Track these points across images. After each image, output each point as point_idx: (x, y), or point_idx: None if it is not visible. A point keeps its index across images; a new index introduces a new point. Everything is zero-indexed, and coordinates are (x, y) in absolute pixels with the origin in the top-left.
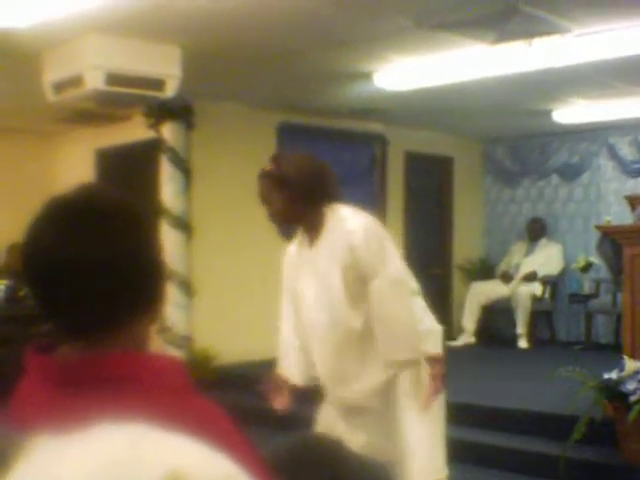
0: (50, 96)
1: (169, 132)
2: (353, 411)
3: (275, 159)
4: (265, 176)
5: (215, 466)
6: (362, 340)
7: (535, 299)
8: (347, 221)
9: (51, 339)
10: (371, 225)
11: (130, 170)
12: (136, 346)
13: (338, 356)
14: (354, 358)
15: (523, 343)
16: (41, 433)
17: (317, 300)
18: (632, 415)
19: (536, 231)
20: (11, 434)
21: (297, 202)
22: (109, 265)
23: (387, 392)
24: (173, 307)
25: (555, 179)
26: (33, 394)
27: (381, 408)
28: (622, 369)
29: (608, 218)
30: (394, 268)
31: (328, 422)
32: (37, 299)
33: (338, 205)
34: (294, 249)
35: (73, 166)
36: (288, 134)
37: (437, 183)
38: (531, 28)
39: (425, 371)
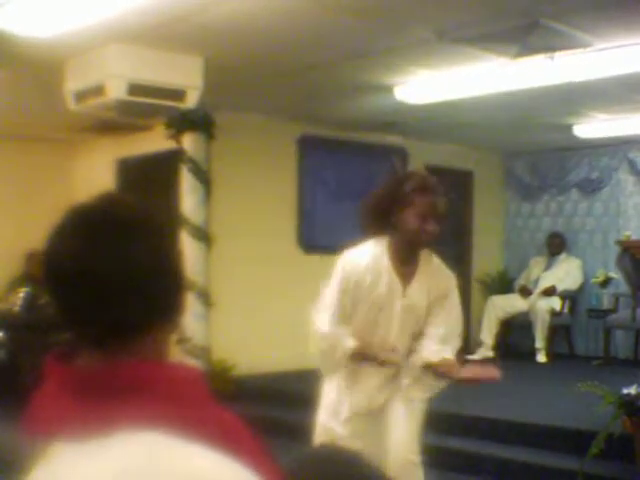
0: (71, 105)
1: (190, 143)
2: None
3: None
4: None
5: (232, 475)
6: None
7: (554, 313)
8: (443, 267)
9: (70, 347)
10: None
11: (150, 180)
12: (155, 355)
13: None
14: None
15: (541, 357)
16: (59, 441)
17: (400, 324)
18: None
19: (555, 246)
20: (29, 441)
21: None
22: (129, 274)
23: None
24: (191, 317)
25: (575, 194)
26: (52, 402)
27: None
28: None
29: (628, 233)
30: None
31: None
32: (57, 307)
33: None
34: (371, 257)
35: (93, 175)
36: (309, 146)
37: (457, 197)
38: (552, 42)
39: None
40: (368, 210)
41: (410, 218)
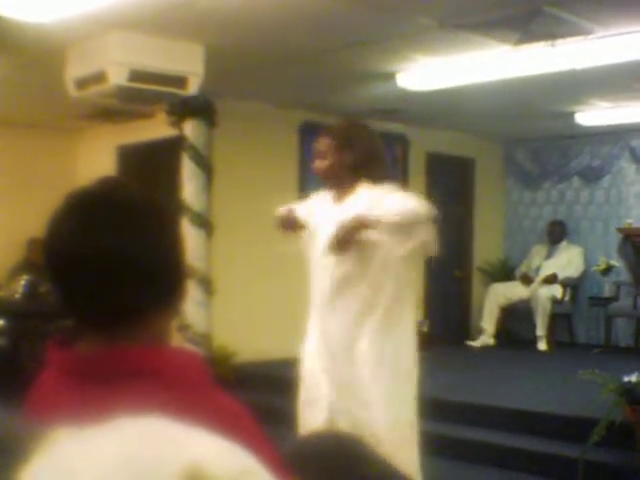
0: (72, 92)
1: (191, 130)
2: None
3: (349, 122)
4: (333, 133)
5: (234, 460)
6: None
7: (555, 301)
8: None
9: (71, 334)
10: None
11: (151, 167)
12: (156, 340)
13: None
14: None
15: (542, 345)
16: (60, 426)
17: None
18: None
19: (556, 234)
20: (30, 427)
21: (347, 169)
22: (129, 257)
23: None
24: (192, 304)
25: (576, 182)
26: (53, 388)
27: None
28: None
29: (629, 221)
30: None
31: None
32: (58, 292)
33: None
34: (320, 198)
35: (95, 163)
36: (310, 133)
37: (458, 184)
38: (554, 29)
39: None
40: None
41: None
